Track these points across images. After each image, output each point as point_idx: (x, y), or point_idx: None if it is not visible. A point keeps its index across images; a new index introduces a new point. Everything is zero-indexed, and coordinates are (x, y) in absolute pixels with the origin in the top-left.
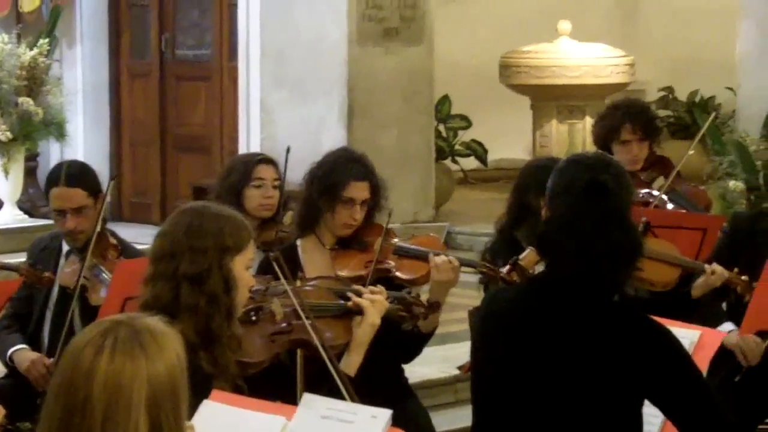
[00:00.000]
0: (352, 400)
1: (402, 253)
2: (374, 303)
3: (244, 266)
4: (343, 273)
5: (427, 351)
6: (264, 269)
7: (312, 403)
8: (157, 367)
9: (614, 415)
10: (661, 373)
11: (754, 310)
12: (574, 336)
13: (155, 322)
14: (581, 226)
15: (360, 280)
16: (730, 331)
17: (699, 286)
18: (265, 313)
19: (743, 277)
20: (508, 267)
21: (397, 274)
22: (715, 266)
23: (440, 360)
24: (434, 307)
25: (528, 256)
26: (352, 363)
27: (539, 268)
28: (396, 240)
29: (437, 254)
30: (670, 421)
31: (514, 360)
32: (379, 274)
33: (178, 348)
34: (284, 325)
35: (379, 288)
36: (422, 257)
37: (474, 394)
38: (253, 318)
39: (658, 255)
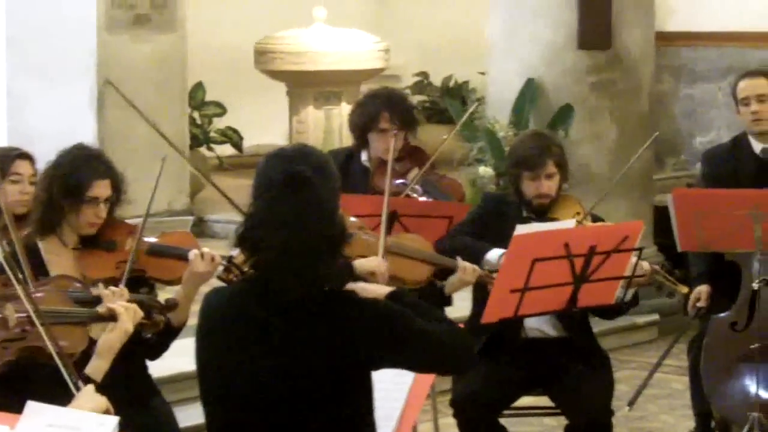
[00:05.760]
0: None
1: (157, 253)
2: (127, 309)
3: None
4: (93, 275)
5: (178, 343)
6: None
7: (37, 411)
8: None
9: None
10: (384, 338)
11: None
12: (287, 330)
13: None
14: (282, 219)
15: (112, 281)
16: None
17: (452, 285)
18: None
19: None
20: (222, 267)
21: (154, 275)
22: (467, 264)
23: (191, 352)
24: (171, 307)
25: (241, 254)
26: (100, 368)
27: None
28: (149, 239)
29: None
30: (418, 371)
31: (234, 360)
32: (133, 275)
33: None
34: (17, 331)
35: (121, 289)
36: (179, 256)
37: (202, 394)
38: None
39: (411, 253)
